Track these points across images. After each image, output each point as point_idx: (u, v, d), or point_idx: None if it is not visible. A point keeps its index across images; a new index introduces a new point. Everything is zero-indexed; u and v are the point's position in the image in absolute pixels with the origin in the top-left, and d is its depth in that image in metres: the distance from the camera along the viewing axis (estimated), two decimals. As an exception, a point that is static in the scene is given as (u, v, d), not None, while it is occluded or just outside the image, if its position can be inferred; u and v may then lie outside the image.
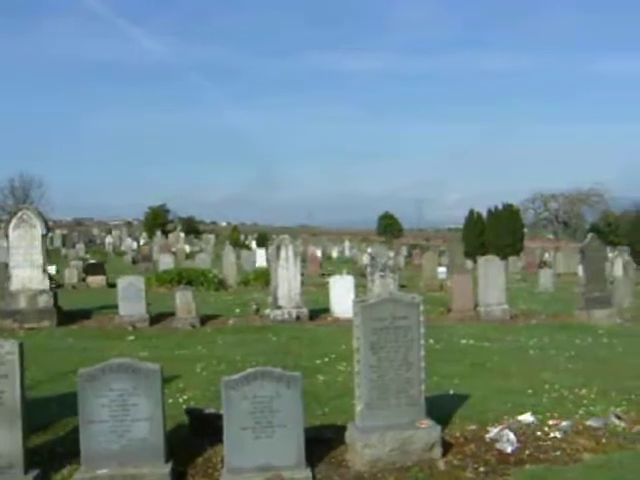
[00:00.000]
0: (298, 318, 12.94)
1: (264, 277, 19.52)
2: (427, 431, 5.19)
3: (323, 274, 25.83)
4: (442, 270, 25.41)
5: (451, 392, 7.23)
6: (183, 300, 12.31)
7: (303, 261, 24.32)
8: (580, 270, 14.31)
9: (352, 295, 12.74)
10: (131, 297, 12.35)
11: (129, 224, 76.89)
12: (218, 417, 5.15)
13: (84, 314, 13.29)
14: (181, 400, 6.85)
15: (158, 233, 48.36)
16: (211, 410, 5.82)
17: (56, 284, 18.32)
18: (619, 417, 6.24)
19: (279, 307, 13.03)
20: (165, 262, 25.30)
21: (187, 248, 40.96)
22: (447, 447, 5.43)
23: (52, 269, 23.86)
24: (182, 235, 51.03)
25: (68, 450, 5.26)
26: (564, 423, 6.11)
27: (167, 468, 4.81)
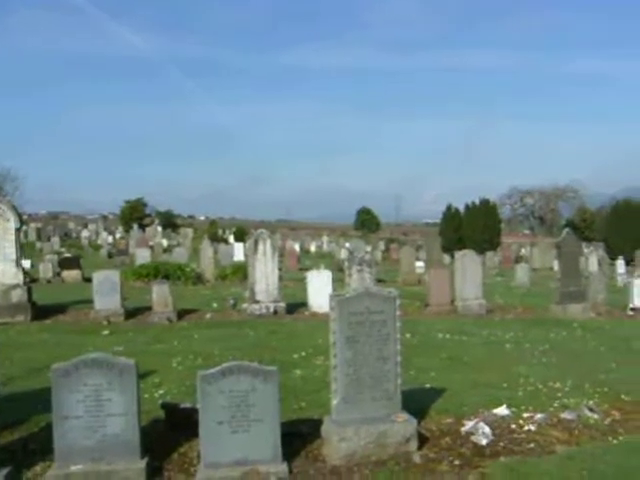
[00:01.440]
0: (276, 312, 12.93)
1: (242, 271, 19.46)
2: (403, 425, 5.21)
3: (301, 269, 25.82)
4: (419, 264, 25.53)
5: (427, 386, 7.27)
6: (159, 294, 12.23)
7: (281, 255, 24.34)
8: (556, 265, 14.47)
9: (329, 289, 12.76)
10: (106, 291, 12.23)
11: (105, 218, 76.10)
12: (194, 412, 5.12)
13: (59, 309, 13.15)
14: (157, 395, 6.81)
15: (135, 227, 47.95)
16: (187, 405, 5.79)
17: (30, 278, 18.08)
18: (592, 409, 6.33)
19: (257, 301, 13.00)
20: (142, 256, 25.09)
21: (164, 242, 40.66)
22: (423, 440, 5.46)
23: (26, 263, 23.58)
24: (159, 229, 50.64)
25: (42, 447, 5.20)
26: (538, 416, 6.18)
27: (142, 463, 4.77)
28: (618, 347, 9.98)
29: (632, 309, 14.27)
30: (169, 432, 5.65)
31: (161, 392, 6.93)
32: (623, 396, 6.93)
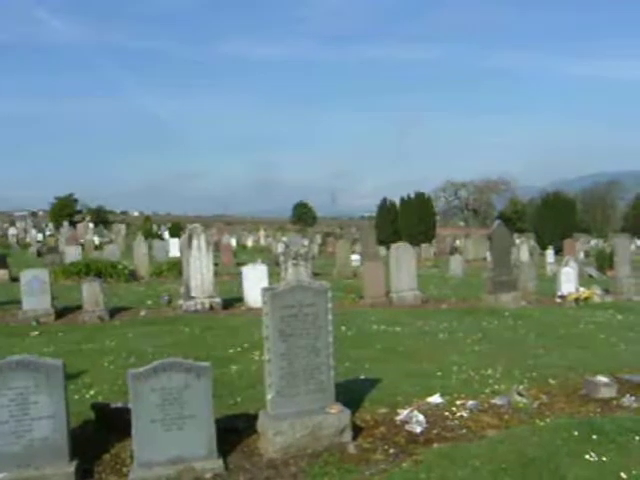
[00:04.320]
0: (211, 308, 12.79)
1: (177, 268, 19.14)
2: (337, 416, 5.24)
3: (238, 263, 25.63)
4: (355, 257, 25.75)
5: (362, 377, 7.33)
6: (90, 292, 11.91)
7: (217, 251, 24.09)
8: (488, 256, 14.83)
9: (265, 284, 12.71)
10: (35, 291, 11.85)
11: (34, 215, 73.62)
12: (126, 411, 5.02)
13: (-16, 310, 12.64)
14: (88, 396, 6.63)
15: (65, 224, 46.54)
16: (118, 404, 5.66)
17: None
18: (521, 394, 6.52)
19: (192, 297, 12.83)
20: (72, 254, 24.37)
21: (96, 239, 39.59)
22: (358, 431, 5.51)
23: (-51, 263, 22.54)
24: (91, 226, 49.29)
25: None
26: (470, 402, 6.33)
27: (71, 467, 4.63)
28: (546, 333, 10.32)
29: (560, 296, 14.79)
30: (100, 433, 5.51)
31: (92, 393, 6.76)
32: (550, 380, 7.18)
